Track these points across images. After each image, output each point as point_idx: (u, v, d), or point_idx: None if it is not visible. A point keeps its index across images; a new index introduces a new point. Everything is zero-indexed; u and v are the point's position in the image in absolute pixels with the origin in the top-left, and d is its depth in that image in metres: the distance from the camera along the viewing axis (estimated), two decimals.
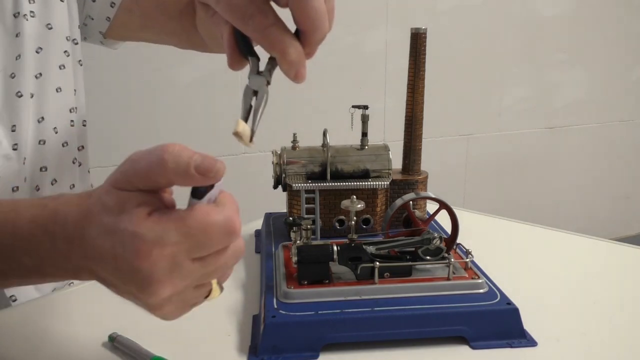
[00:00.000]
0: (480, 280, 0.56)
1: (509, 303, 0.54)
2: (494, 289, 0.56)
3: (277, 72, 0.44)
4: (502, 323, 0.53)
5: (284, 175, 0.70)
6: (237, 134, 0.41)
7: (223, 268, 0.40)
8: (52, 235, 0.40)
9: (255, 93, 0.44)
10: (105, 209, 0.38)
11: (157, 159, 0.37)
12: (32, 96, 0.64)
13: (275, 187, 0.72)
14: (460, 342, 0.53)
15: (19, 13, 0.62)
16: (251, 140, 0.42)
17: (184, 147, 0.37)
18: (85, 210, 0.39)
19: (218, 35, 0.46)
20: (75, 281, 0.75)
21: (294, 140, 0.72)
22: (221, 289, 0.43)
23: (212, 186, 0.38)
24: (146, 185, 0.38)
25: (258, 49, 0.45)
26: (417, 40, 0.71)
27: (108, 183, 0.39)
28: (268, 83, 0.44)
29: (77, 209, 0.40)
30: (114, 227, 0.37)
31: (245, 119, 0.42)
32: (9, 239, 0.41)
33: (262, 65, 0.44)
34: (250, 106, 0.43)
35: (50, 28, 0.66)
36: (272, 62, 0.44)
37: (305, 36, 0.42)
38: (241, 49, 0.45)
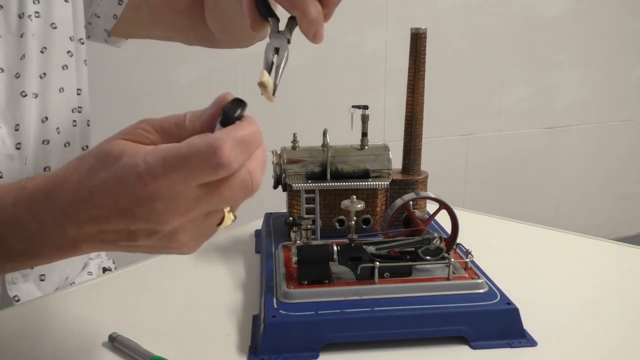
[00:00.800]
0: (480, 280, 0.56)
1: (509, 303, 0.54)
2: (494, 289, 0.56)
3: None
4: (502, 323, 0.53)
5: (284, 175, 0.70)
6: (262, 84, 0.42)
7: (232, 200, 0.39)
8: (39, 214, 0.40)
9: (277, 50, 0.46)
10: (99, 166, 0.38)
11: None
12: (36, 96, 0.64)
13: (275, 187, 0.72)
14: (460, 342, 0.53)
15: (23, 14, 0.62)
16: (274, 94, 0.43)
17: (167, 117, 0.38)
18: (76, 179, 0.39)
19: (237, 3, 0.47)
20: (76, 281, 0.75)
21: (294, 140, 0.72)
22: (234, 217, 0.42)
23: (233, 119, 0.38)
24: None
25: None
26: (417, 40, 0.71)
27: (101, 144, 0.39)
28: (288, 41, 0.46)
29: (65, 180, 0.39)
30: (112, 173, 0.37)
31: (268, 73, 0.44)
32: None
33: (282, 26, 0.46)
34: (272, 63, 0.45)
35: (55, 27, 0.66)
36: (292, 22, 0.46)
37: None
38: (261, 11, 0.47)
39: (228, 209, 0.42)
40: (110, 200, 0.37)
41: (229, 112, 0.38)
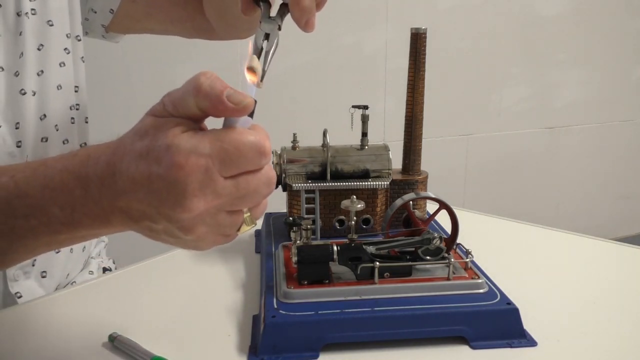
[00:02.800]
0: (480, 280, 0.56)
1: (509, 303, 0.54)
2: (494, 289, 0.56)
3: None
4: (502, 323, 0.53)
5: (284, 175, 0.70)
6: (250, 69, 0.42)
7: (255, 195, 0.40)
8: (85, 180, 0.40)
9: (267, 36, 0.45)
10: (139, 134, 0.39)
11: (193, 82, 0.38)
12: (34, 94, 0.64)
13: (275, 187, 0.72)
14: (460, 342, 0.53)
15: (21, 11, 0.62)
16: (261, 80, 0.43)
17: (219, 77, 0.38)
18: (117, 147, 0.40)
19: None
20: (76, 280, 0.75)
21: (294, 140, 0.72)
22: (254, 223, 0.43)
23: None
24: (181, 109, 0.39)
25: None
26: (417, 40, 0.71)
27: (145, 114, 0.40)
28: (279, 28, 0.46)
29: (110, 149, 0.40)
30: (149, 147, 0.38)
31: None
32: (39, 192, 0.42)
33: (274, 12, 0.47)
34: (261, 48, 0.45)
35: (51, 25, 0.66)
36: (284, 9, 0.47)
37: None
38: None
39: (248, 213, 0.42)
40: (144, 177, 0.38)
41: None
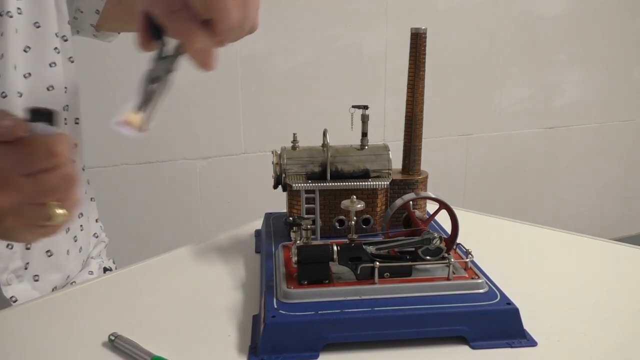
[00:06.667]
0: (480, 280, 0.56)
1: (509, 303, 0.54)
2: (494, 289, 0.56)
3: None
4: (502, 323, 0.53)
5: (284, 175, 0.70)
6: (126, 122, 0.42)
7: (56, 190, 0.44)
8: None
9: (155, 79, 0.44)
10: None
11: None
12: (20, 95, 0.63)
13: (275, 187, 0.72)
14: (460, 342, 0.53)
15: (2, 11, 0.61)
16: (146, 126, 0.43)
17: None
18: None
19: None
20: (76, 280, 0.75)
21: (294, 140, 0.72)
22: (64, 215, 0.46)
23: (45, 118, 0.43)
24: None
25: None
26: (417, 40, 0.71)
27: None
28: (170, 70, 0.44)
29: None
30: None
31: (142, 104, 0.44)
32: None
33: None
34: (150, 91, 0.44)
35: (39, 26, 0.65)
36: (179, 49, 0.44)
37: (212, 25, 0.42)
38: (152, 31, 0.44)
39: (55, 205, 0.45)
40: None
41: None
